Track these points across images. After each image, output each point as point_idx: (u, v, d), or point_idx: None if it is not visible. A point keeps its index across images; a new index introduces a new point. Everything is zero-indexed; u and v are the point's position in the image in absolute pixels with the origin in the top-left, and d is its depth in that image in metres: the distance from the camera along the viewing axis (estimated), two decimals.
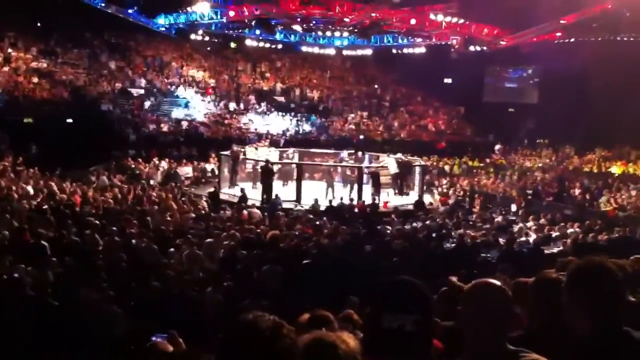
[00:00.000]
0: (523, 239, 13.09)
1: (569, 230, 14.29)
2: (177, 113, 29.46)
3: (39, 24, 29.48)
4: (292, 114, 32.83)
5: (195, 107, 30.54)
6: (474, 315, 2.29)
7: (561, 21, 29.26)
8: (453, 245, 12.17)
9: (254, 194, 19.29)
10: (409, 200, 19.58)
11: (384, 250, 10.72)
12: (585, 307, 2.36)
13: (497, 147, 31.03)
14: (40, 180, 17.62)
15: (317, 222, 14.00)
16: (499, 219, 16.77)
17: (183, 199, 17.35)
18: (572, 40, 30.96)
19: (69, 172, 19.90)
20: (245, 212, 15.55)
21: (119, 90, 29.09)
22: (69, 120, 24.55)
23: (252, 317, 1.96)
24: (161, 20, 31.63)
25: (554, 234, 14.17)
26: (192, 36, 32.64)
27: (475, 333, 2.27)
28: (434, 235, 13.19)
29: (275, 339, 1.89)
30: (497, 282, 2.41)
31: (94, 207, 14.57)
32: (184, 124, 28.60)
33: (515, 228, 14.95)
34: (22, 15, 27.32)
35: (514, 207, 19.94)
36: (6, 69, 26.31)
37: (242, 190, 18.33)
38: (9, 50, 27.60)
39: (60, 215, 12.70)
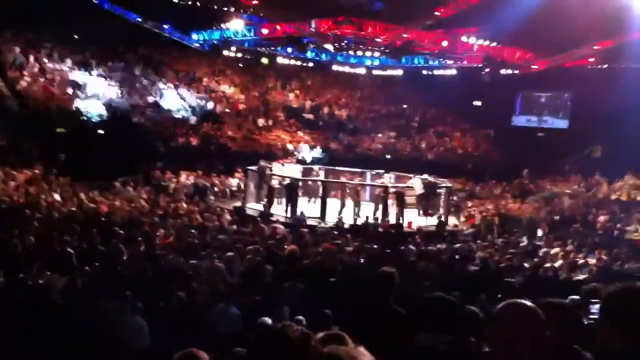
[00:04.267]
0: (548, 264, 12.94)
1: (595, 258, 14.11)
2: (207, 127, 29.71)
3: (75, 36, 30.00)
4: (320, 131, 32.93)
5: (224, 121, 30.79)
6: (506, 337, 2.25)
7: (595, 47, 29.07)
8: (477, 268, 12.08)
9: (279, 210, 19.38)
10: (433, 221, 19.51)
11: (407, 271, 10.66)
12: (620, 331, 2.31)
13: (525, 171, 30.74)
14: (68, 189, 17.89)
15: (340, 240, 14.00)
16: (525, 243, 16.62)
17: (207, 213, 17.49)
18: (606, 66, 30.70)
19: (97, 182, 20.18)
20: (267, 227, 15.61)
21: (151, 104, 29.46)
22: (101, 132, 24.93)
23: (281, 327, 1.98)
24: (195, 36, 32.08)
25: (580, 261, 14.00)
26: (225, 52, 33.00)
27: (506, 357, 2.23)
28: (457, 257, 13.12)
29: (303, 349, 1.91)
30: (529, 303, 2.39)
31: (121, 217, 14.75)
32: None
33: (541, 253, 14.80)
34: (59, 27, 27.85)
35: (540, 232, 19.74)
36: (42, 79, 26.83)
37: (265, 205, 18.42)
38: (45, 60, 28.15)
39: (87, 223, 12.87)
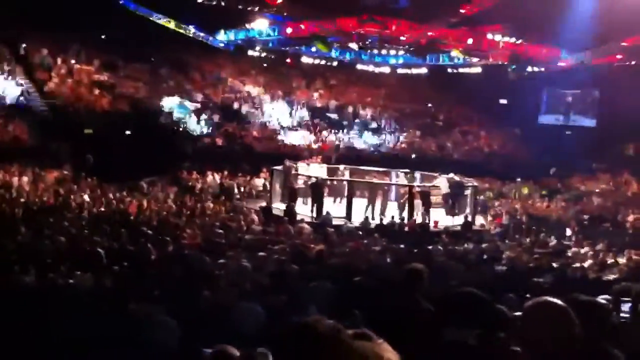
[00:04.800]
0: (577, 264, 12.78)
1: (625, 257, 13.91)
2: (232, 127, 29.84)
3: (102, 37, 30.32)
4: (345, 131, 32.92)
5: (250, 121, 30.93)
6: (536, 335, 2.24)
7: (622, 43, 28.70)
8: (504, 268, 11.97)
9: (305, 210, 19.40)
10: (460, 220, 19.40)
11: (433, 270, 10.61)
12: None
13: (553, 170, 30.40)
14: (97, 189, 18.11)
15: (367, 240, 13.98)
16: (553, 243, 16.45)
17: (233, 213, 17.60)
18: (634, 63, 30.29)
19: (125, 182, 20.39)
20: (293, 227, 15.63)
21: (177, 104, 29.68)
22: (128, 132, 25.19)
23: (311, 320, 1.97)
24: (220, 37, 32.27)
25: (609, 260, 13.81)
26: (250, 52, 33.16)
27: (536, 355, 2.22)
28: (485, 257, 13.02)
29: (333, 343, 1.90)
30: (558, 301, 2.37)
31: (149, 217, 14.88)
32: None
33: (570, 253, 14.64)
34: (86, 28, 28.20)
35: (568, 232, 19.53)
36: (69, 80, 27.18)
37: (290, 205, 18.45)
38: (72, 61, 28.49)
39: (116, 224, 13.01)
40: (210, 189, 22.85)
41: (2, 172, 19.21)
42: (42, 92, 25.99)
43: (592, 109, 35.07)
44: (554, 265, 12.32)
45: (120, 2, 30.40)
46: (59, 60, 28.04)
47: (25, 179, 18.78)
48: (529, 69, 32.18)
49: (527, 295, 8.09)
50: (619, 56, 30.36)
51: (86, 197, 16.54)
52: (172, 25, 31.42)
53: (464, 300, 2.06)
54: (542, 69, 32.29)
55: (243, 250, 11.18)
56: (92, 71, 28.62)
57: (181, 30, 31.65)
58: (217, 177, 24.18)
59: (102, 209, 15.36)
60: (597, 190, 27.36)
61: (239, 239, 13.18)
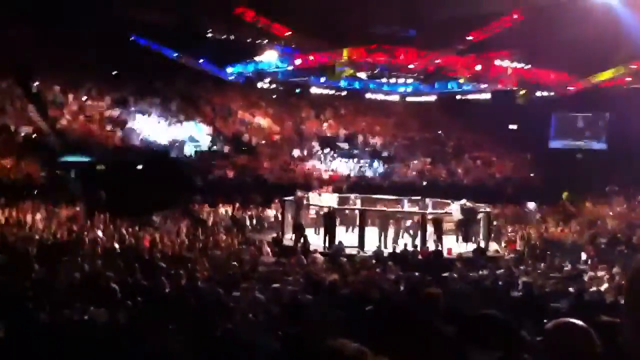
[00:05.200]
0: (594, 288, 12.64)
1: None
2: (242, 159, 29.95)
3: (113, 73, 30.69)
4: (355, 160, 32.98)
5: (259, 153, 31.05)
6: (558, 356, 2.23)
7: (631, 66, 28.72)
8: (520, 294, 11.86)
9: (317, 240, 19.36)
10: (473, 247, 19.30)
11: (449, 297, 10.53)
12: None
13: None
14: (110, 224, 18.19)
15: (379, 269, 13.91)
16: (568, 267, 16.30)
17: (245, 245, 17.59)
18: None
19: (137, 217, 20.46)
20: (306, 257, 15.59)
21: (188, 138, 29.90)
22: (139, 167, 25.34)
23: (337, 344, 1.99)
24: (230, 69, 32.59)
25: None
26: (259, 84, 33.43)
27: None
28: (500, 283, 12.91)
29: None
30: (580, 322, 2.35)
31: (162, 251, 14.90)
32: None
33: (586, 277, 14.50)
34: (98, 64, 28.56)
35: (584, 256, 19.35)
36: (81, 117, 27.47)
37: (305, 236, 18.43)
38: (84, 98, 28.82)
39: (129, 258, 13.03)
40: (222, 221, 22.86)
41: (15, 210, 19.35)
42: (54, 129, 26.28)
43: (602, 132, 34.98)
44: (570, 289, 12.21)
45: (131, 38, 30.81)
46: (71, 97, 28.38)
47: (38, 216, 18.89)
48: (538, 93, 32.21)
49: (545, 321, 8.02)
50: (628, 79, 30.34)
51: (100, 233, 16.60)
52: (182, 60, 31.77)
53: (486, 323, 2.06)
54: (552, 93, 32.29)
55: (256, 282, 11.15)
56: (103, 107, 28.92)
57: (191, 65, 31.97)
58: (229, 209, 24.22)
59: (116, 245, 15.39)
60: (611, 213, 27.15)
61: (252, 271, 13.16)
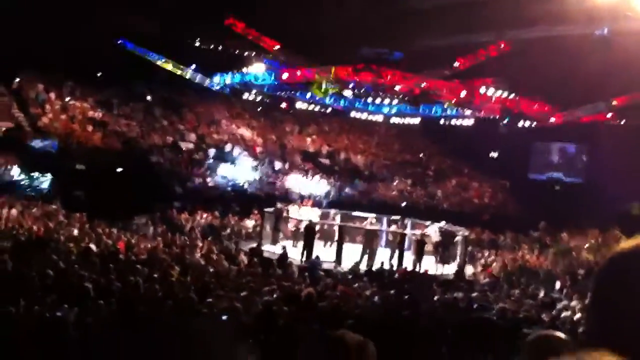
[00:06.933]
0: (566, 313, 12.74)
1: None
2: (223, 169, 29.85)
3: (98, 75, 30.50)
4: (336, 176, 33.01)
5: (241, 164, 30.98)
6: None
7: (612, 102, 29.15)
8: (494, 318, 11.90)
9: (294, 253, 19.34)
10: (449, 269, 19.39)
11: (423, 316, 10.55)
12: None
13: (542, 224, 30.45)
14: (86, 224, 18.00)
15: (357, 284, 13.92)
16: (542, 295, 16.41)
17: (222, 254, 17.48)
18: (623, 122, 30.72)
19: (115, 219, 20.27)
20: (282, 269, 15.57)
21: (170, 144, 29.76)
22: (119, 170, 25.14)
23: (339, 333, 2.02)
24: (216, 79, 32.54)
25: None
26: (245, 95, 33.41)
27: None
28: (475, 306, 12.95)
29: (361, 356, 1.94)
30: (562, 335, 2.38)
31: (137, 255, 14.76)
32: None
33: (560, 306, 14.58)
34: (82, 65, 28.35)
35: (557, 285, 19.50)
36: (63, 116, 27.23)
37: (284, 247, 18.40)
38: (67, 98, 28.59)
39: (105, 259, 12.89)
40: (199, 228, 22.74)
41: None
42: (35, 127, 25.99)
43: (580, 166, 35.41)
44: (543, 317, 12.27)
45: (119, 42, 30.66)
46: (53, 96, 28.14)
47: (14, 211, 18.61)
48: (520, 123, 32.55)
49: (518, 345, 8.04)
50: (609, 114, 30.80)
51: (75, 232, 16.40)
52: (169, 66, 31.68)
53: (476, 325, 2.07)
54: (533, 124, 32.63)
55: (231, 290, 11.07)
56: (86, 108, 28.71)
57: (177, 72, 31.89)
58: (208, 217, 24.10)
59: (92, 245, 15.20)
60: (586, 245, 27.35)
61: (228, 280, 13.08)
